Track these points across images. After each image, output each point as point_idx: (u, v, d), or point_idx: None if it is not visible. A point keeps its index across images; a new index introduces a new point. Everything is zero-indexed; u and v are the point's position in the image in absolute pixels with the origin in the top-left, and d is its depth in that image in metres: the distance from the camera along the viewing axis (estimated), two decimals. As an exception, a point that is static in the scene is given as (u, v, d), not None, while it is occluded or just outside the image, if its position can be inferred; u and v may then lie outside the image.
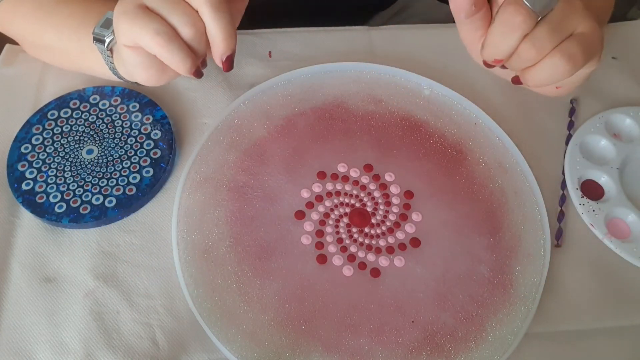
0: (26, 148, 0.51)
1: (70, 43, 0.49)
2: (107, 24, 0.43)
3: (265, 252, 0.48)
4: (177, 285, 0.46)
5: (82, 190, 0.49)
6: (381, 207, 0.50)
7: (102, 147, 0.51)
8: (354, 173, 0.52)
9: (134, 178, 0.50)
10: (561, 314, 0.47)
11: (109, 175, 0.50)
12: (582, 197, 0.52)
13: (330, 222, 0.49)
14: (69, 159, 0.50)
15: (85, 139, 0.52)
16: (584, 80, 0.44)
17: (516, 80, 0.42)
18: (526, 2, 0.38)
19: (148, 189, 0.49)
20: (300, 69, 0.57)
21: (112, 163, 0.50)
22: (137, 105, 0.53)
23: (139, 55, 0.40)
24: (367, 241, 0.49)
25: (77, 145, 0.51)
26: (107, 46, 0.44)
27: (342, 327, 0.45)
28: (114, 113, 0.53)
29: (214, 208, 0.49)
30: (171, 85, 0.56)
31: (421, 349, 0.45)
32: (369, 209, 0.50)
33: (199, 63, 0.40)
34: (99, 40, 0.44)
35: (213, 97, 0.56)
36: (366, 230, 0.49)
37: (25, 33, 0.52)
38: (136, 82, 0.45)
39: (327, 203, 0.50)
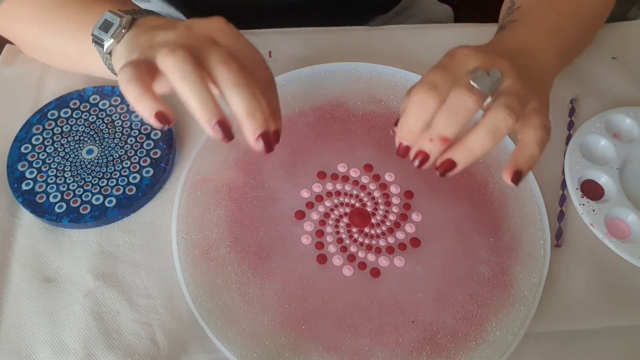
0: (26, 148, 0.51)
1: (70, 46, 0.49)
2: (106, 27, 0.43)
3: (265, 252, 0.48)
4: (177, 285, 0.46)
5: (82, 190, 0.49)
6: (381, 207, 0.50)
7: (102, 147, 0.51)
8: (354, 173, 0.52)
9: (134, 178, 0.50)
10: (561, 314, 0.47)
11: (109, 175, 0.50)
12: (582, 197, 0.52)
13: (330, 222, 0.49)
14: (69, 159, 0.50)
15: (85, 139, 0.52)
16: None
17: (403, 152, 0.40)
18: (475, 84, 0.37)
19: (148, 189, 0.49)
20: (300, 69, 0.57)
21: (112, 163, 0.50)
22: (137, 105, 0.53)
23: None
24: (367, 241, 0.49)
25: (77, 145, 0.51)
26: (106, 50, 0.44)
27: (342, 327, 0.45)
28: (114, 113, 0.53)
29: (214, 208, 0.49)
30: (171, 85, 0.56)
31: (421, 349, 0.45)
32: (369, 209, 0.50)
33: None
34: (97, 43, 0.44)
35: (213, 97, 0.56)
36: (366, 230, 0.49)
37: (25, 36, 0.52)
38: None
39: (327, 203, 0.50)
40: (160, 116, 0.35)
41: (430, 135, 0.38)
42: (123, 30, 0.42)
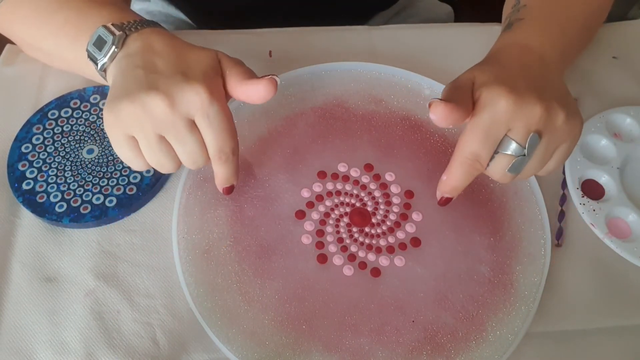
0: (27, 148, 0.51)
1: (68, 52, 0.49)
2: (99, 44, 0.43)
3: (265, 252, 0.48)
4: (178, 284, 0.46)
5: (82, 189, 0.49)
6: (381, 206, 0.50)
7: (103, 146, 0.51)
8: (354, 173, 0.52)
9: (135, 177, 0.50)
10: (561, 313, 0.47)
11: (109, 175, 0.50)
12: (583, 196, 0.52)
13: (331, 221, 0.49)
14: (70, 159, 0.50)
15: (86, 138, 0.52)
16: None
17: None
18: (510, 172, 0.42)
19: (148, 189, 0.49)
20: (300, 69, 0.57)
21: (112, 162, 0.50)
22: (138, 105, 0.53)
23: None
24: (367, 241, 0.49)
25: (77, 145, 0.51)
26: (100, 68, 0.44)
27: (343, 327, 0.45)
28: (115, 113, 0.53)
29: (214, 208, 0.49)
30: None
31: (421, 349, 0.45)
32: (369, 209, 0.50)
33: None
34: (92, 59, 0.44)
35: (213, 97, 0.56)
36: (366, 229, 0.49)
37: (24, 36, 0.52)
38: None
39: (328, 202, 0.50)
40: None
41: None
42: (115, 50, 0.43)
